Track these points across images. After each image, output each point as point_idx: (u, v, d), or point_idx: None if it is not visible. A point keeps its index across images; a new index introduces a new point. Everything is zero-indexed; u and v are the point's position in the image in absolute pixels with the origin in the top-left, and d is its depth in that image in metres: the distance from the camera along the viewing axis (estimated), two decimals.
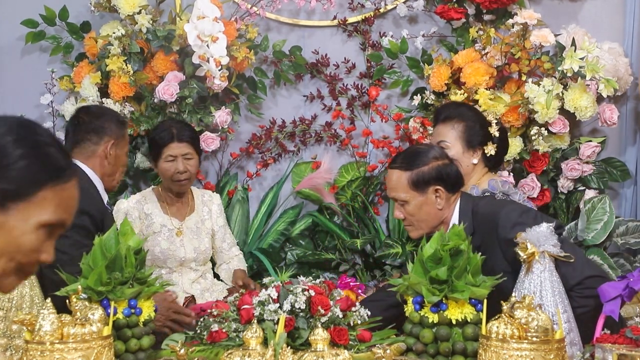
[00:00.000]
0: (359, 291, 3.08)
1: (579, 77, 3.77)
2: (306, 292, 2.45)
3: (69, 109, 4.12)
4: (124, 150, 3.33)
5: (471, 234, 2.83)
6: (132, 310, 2.44)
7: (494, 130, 3.48)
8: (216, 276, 3.80)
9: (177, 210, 3.69)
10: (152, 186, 3.77)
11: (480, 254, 2.52)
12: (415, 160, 2.94)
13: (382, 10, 4.28)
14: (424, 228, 2.94)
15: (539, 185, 3.91)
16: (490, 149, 3.38)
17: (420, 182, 2.90)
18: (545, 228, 2.54)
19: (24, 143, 1.41)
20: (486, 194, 3.30)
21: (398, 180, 2.94)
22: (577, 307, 2.62)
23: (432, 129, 3.61)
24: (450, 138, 3.35)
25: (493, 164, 3.43)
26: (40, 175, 1.41)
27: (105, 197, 3.27)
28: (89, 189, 3.17)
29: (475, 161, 3.34)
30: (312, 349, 2.28)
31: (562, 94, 3.82)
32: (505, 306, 2.22)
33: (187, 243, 3.65)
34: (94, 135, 3.26)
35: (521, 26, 3.83)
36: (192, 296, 3.61)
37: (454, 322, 2.39)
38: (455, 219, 2.92)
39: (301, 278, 2.60)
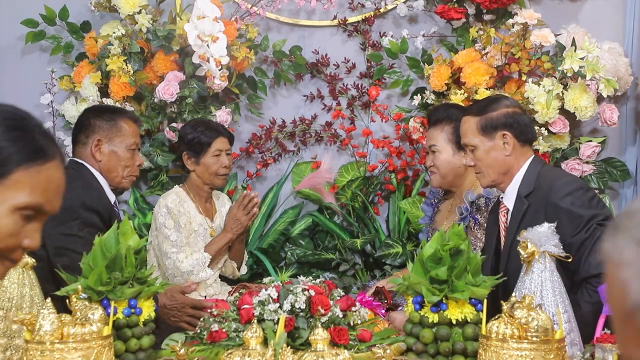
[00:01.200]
0: (380, 310, 3.03)
1: (579, 77, 3.77)
2: (306, 292, 2.45)
3: (69, 108, 4.12)
4: (120, 146, 3.23)
5: (529, 192, 2.88)
6: (132, 310, 2.44)
7: None
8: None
9: (207, 210, 3.68)
10: (177, 185, 3.71)
11: (528, 213, 2.71)
12: (486, 106, 2.99)
13: (382, 10, 4.29)
14: (491, 175, 2.95)
15: None
16: None
17: (489, 127, 2.94)
18: (546, 228, 2.54)
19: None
20: (481, 198, 3.30)
21: (468, 126, 2.99)
22: (586, 301, 2.63)
23: None
24: (440, 141, 3.39)
25: None
26: (12, 157, 1.34)
27: (112, 197, 3.24)
28: (97, 187, 3.15)
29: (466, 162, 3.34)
30: (312, 349, 2.28)
31: (562, 93, 3.82)
32: (505, 306, 2.22)
33: None
34: (82, 133, 3.22)
35: (521, 26, 3.84)
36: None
37: (454, 322, 2.39)
38: (520, 174, 2.93)
39: (301, 278, 2.60)
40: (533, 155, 2.97)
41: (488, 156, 2.94)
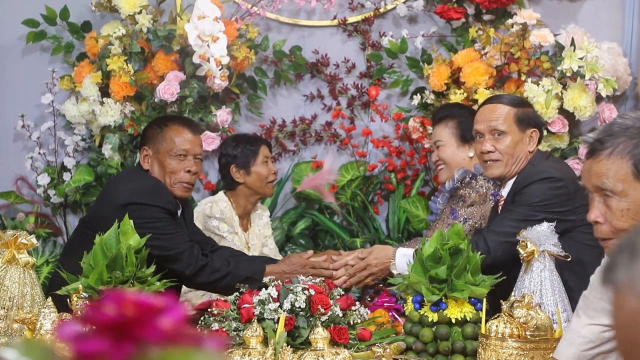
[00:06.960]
0: (392, 313, 3.03)
1: (578, 77, 3.77)
2: (306, 291, 2.46)
3: (69, 108, 4.12)
4: (167, 155, 3.18)
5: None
6: None
7: None
8: None
9: (244, 225, 3.68)
10: (222, 192, 3.68)
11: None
12: (521, 102, 3.17)
13: (382, 10, 4.29)
14: (510, 166, 3.05)
15: None
16: None
17: (524, 121, 3.06)
18: (546, 227, 2.55)
19: None
20: (470, 175, 3.39)
21: (502, 113, 3.06)
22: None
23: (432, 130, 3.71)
24: (444, 136, 3.51)
25: None
26: None
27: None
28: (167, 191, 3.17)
29: (471, 154, 3.45)
30: (312, 348, 2.29)
31: (562, 93, 3.83)
32: (504, 305, 2.23)
33: None
34: (141, 145, 3.27)
35: (520, 26, 3.85)
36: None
37: (453, 321, 2.41)
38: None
39: (301, 277, 2.62)
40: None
41: (515, 147, 3.04)
